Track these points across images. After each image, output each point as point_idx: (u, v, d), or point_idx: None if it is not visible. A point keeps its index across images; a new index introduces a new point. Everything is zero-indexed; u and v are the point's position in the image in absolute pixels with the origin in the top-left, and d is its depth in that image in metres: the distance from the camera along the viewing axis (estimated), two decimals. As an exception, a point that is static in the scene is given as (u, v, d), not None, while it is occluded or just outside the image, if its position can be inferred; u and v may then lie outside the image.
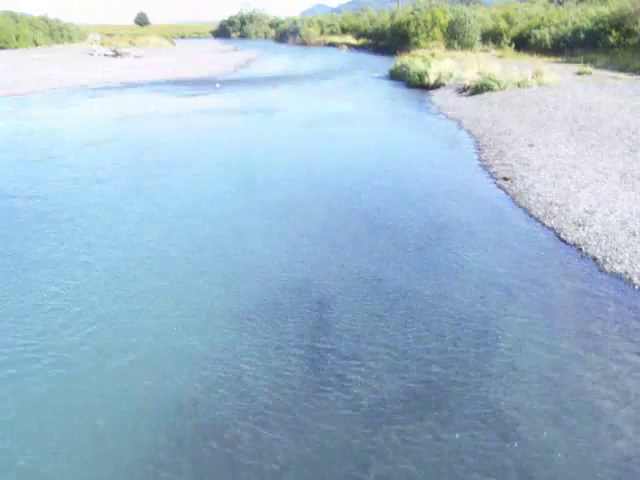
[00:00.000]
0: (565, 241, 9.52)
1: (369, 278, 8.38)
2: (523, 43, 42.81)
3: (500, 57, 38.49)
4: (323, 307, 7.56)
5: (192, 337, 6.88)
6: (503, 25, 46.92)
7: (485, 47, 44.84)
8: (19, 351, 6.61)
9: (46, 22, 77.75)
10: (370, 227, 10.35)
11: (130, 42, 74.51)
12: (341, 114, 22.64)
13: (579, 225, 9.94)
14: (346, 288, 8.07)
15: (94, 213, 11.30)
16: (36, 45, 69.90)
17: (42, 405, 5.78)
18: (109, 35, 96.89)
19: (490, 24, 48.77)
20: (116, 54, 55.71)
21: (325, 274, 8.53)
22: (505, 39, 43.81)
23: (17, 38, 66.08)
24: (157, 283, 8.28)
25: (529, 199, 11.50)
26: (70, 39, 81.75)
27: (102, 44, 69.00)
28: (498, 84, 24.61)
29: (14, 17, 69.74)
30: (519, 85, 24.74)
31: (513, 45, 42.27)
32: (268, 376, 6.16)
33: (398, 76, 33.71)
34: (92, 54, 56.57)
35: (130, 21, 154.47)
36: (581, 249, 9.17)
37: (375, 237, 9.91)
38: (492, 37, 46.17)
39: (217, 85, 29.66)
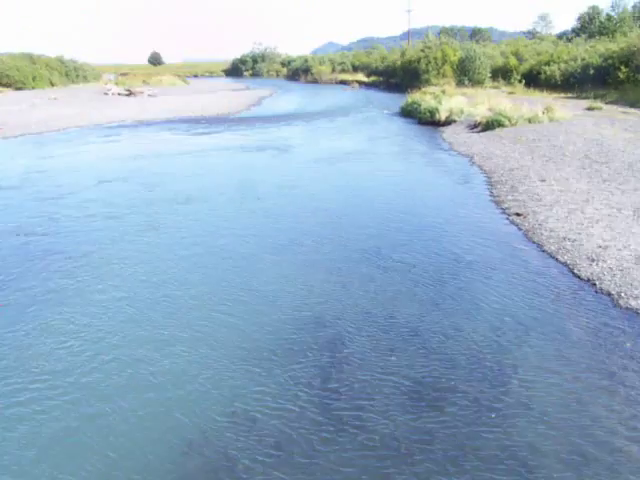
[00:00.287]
0: (579, 276, 9.48)
1: (382, 315, 8.36)
2: (533, 79, 43.18)
3: (510, 93, 38.79)
4: (337, 344, 7.54)
5: (205, 376, 6.86)
6: (513, 62, 47.38)
7: (495, 83, 45.25)
8: (35, 388, 6.63)
9: (62, 63, 79.02)
10: (383, 263, 10.35)
11: (144, 81, 75.59)
12: (354, 151, 22.79)
13: (593, 260, 9.90)
14: (360, 325, 8.05)
15: (108, 249, 11.38)
16: (52, 85, 70.98)
17: (56, 443, 5.77)
18: (123, 74, 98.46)
19: (500, 61, 49.29)
20: (130, 93, 56.48)
21: (338, 311, 8.51)
22: (515, 75, 44.23)
23: (34, 79, 67.20)
24: (171, 320, 8.28)
25: (542, 234, 11.49)
26: (85, 79, 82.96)
27: (116, 83, 70.02)
28: (509, 120, 24.77)
29: (31, 59, 71.05)
30: (530, 121, 24.89)
31: (523, 81, 42.63)
32: (280, 414, 6.12)
33: (409, 113, 33.97)
34: (107, 93, 57.37)
35: (144, 60, 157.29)
36: (595, 284, 9.12)
37: (388, 273, 9.90)
38: (502, 73, 46.61)
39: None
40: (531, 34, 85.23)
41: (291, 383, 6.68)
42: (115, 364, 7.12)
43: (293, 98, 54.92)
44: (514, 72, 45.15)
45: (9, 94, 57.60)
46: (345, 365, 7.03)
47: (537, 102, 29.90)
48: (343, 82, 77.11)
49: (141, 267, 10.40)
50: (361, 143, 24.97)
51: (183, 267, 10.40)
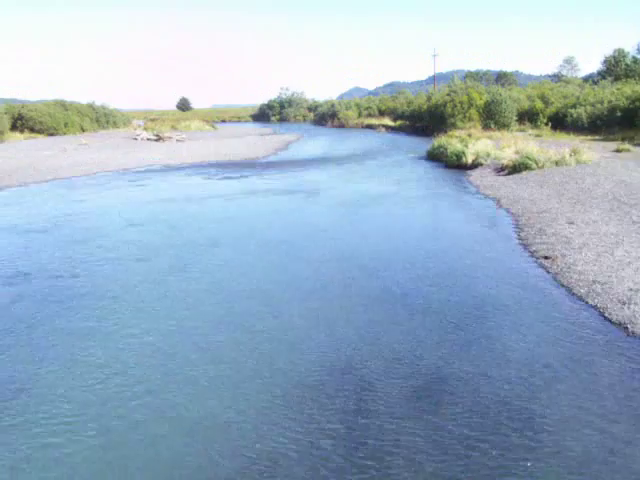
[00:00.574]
0: (610, 320, 9.35)
1: (408, 358, 8.30)
2: (559, 122, 43.22)
3: (537, 136, 38.86)
4: (363, 389, 7.48)
5: (231, 415, 6.86)
6: (539, 105, 47.52)
7: (522, 127, 45.34)
8: (64, 421, 6.69)
9: (93, 109, 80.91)
10: (410, 307, 10.31)
11: (172, 126, 77.03)
12: (381, 194, 22.89)
13: (624, 303, 9.77)
14: (386, 370, 8.00)
15: (137, 290, 11.56)
16: (83, 131, 72.59)
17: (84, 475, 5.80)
18: (152, 120, 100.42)
19: (526, 104, 49.45)
20: (159, 138, 57.47)
21: (365, 355, 8.47)
22: (541, 118, 44.31)
23: (66, 125, 68.86)
24: (197, 359, 8.32)
25: (571, 277, 11.38)
26: (115, 124, 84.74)
27: (145, 129, 71.36)
28: (536, 163, 24.75)
29: (64, 105, 72.94)
30: (557, 163, 24.85)
31: (549, 124, 42.66)
32: (304, 459, 6.08)
33: (436, 156, 34.11)
34: (136, 138, 58.45)
35: (173, 106, 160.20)
36: (627, 328, 8.98)
37: (414, 317, 9.85)
38: (528, 117, 46.74)
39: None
40: (557, 77, 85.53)
41: (315, 426, 6.64)
42: (141, 397, 7.18)
43: (320, 142, 55.48)
44: (540, 115, 45.26)
45: (42, 140, 58.99)
46: (370, 412, 6.97)
47: (564, 145, 29.87)
48: (369, 126, 77.76)
49: (166, 309, 10.53)
50: (388, 186, 25.07)
51: (208, 310, 10.49)
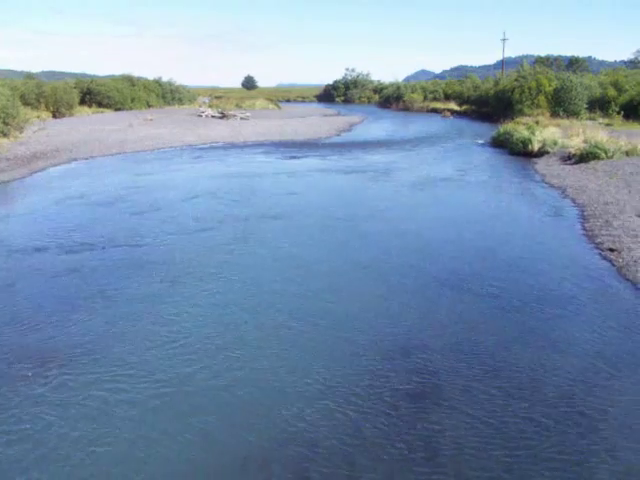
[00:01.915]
0: (675, 317, 9.08)
1: (467, 346, 8.27)
2: (633, 111, 41.75)
3: (607, 125, 37.68)
4: (420, 375, 7.50)
5: (283, 399, 6.98)
6: (611, 92, 45.96)
7: (592, 115, 44.01)
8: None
9: (159, 85, 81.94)
10: (469, 293, 10.23)
11: (237, 105, 77.32)
12: (444, 179, 22.68)
13: (691, 301, 9.47)
14: (444, 356, 8.00)
15: (200, 259, 12.12)
16: (149, 106, 73.73)
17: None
18: (217, 97, 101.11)
19: (598, 91, 47.88)
20: (223, 116, 57.85)
21: (422, 339, 8.48)
22: (613, 107, 42.87)
23: (132, 100, 70.09)
24: (254, 335, 8.48)
25: (637, 271, 11.08)
26: (180, 101, 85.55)
27: (210, 106, 71.91)
28: (605, 152, 24.05)
29: (131, 81, 74.18)
30: (628, 154, 24.11)
31: (622, 113, 41.31)
32: (363, 448, 6.14)
33: (501, 143, 33.48)
34: (200, 115, 59.01)
35: (238, 84, 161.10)
36: (693, 326, 8.71)
37: (474, 304, 9.78)
38: (599, 105, 45.26)
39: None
40: (632, 64, 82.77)
41: (372, 413, 6.72)
42: (201, 372, 7.41)
43: (384, 125, 55.11)
44: (612, 103, 43.79)
45: (108, 114, 60.29)
46: (426, 400, 6.98)
47: (636, 135, 28.95)
48: (434, 110, 76.65)
49: (226, 277, 10.92)
50: (451, 172, 24.79)
51: (267, 278, 10.85)
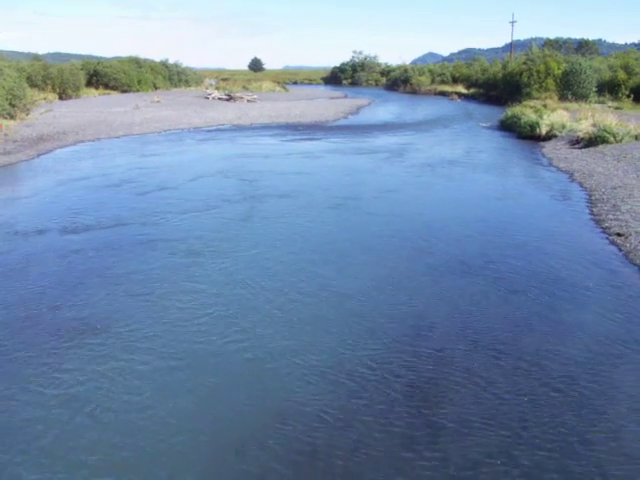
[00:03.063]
0: (682, 302, 9.04)
1: (475, 331, 8.25)
2: (643, 95, 41.38)
3: (617, 109, 37.36)
4: (427, 359, 7.50)
5: (294, 385, 6.99)
6: (621, 75, 45.49)
7: (601, 98, 43.62)
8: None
9: (166, 67, 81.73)
10: (476, 277, 10.21)
11: (244, 87, 77.09)
12: (450, 162, 22.57)
13: (698, 286, 9.42)
14: (451, 340, 7.99)
15: (204, 236, 12.55)
16: (156, 88, 73.57)
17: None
18: (224, 80, 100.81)
19: (607, 75, 47.41)
20: (230, 98, 57.68)
21: (428, 323, 8.47)
22: (623, 90, 42.48)
23: (139, 82, 69.95)
24: (265, 318, 8.50)
25: (644, 256, 11.02)
26: (187, 83, 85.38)
27: (217, 88, 71.77)
28: (614, 136, 23.89)
29: (138, 62, 74.00)
30: (637, 138, 23.95)
31: (632, 96, 40.94)
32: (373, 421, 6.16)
33: (508, 126, 33.29)
34: (207, 97, 58.90)
35: (244, 66, 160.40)
36: (700, 312, 8.68)
37: (480, 287, 9.76)
38: (609, 88, 44.81)
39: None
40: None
41: (384, 397, 6.72)
42: (210, 356, 7.45)
43: (391, 108, 54.84)
44: (622, 86, 43.37)
45: (115, 96, 60.22)
46: (435, 386, 6.99)
47: (645, 119, 28.74)
48: (442, 93, 76.16)
49: (232, 254, 11.16)
50: (458, 155, 24.69)
51: (274, 256, 11.10)
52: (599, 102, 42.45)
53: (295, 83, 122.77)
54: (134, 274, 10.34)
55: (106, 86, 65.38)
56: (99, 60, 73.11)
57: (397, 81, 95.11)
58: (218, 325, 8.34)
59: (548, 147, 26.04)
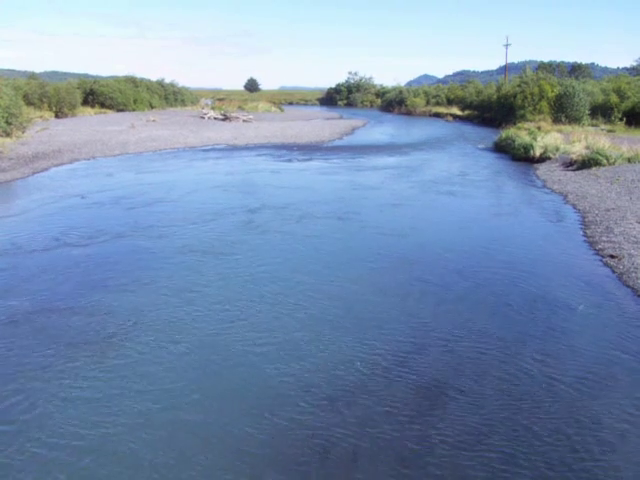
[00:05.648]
0: (676, 324, 9.08)
1: (470, 353, 8.25)
2: (635, 118, 41.76)
3: (610, 132, 37.67)
4: (417, 386, 7.51)
5: (295, 395, 6.98)
6: (614, 99, 45.92)
7: (594, 121, 43.98)
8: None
9: (162, 86, 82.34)
10: (470, 299, 10.23)
11: (239, 107, 77.43)
12: (445, 184, 22.63)
13: (691, 308, 9.46)
14: (441, 363, 7.99)
15: (203, 247, 13.08)
16: (152, 108, 73.91)
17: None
18: (220, 100, 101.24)
19: (600, 98, 47.85)
20: (226, 118, 57.91)
21: (418, 347, 8.48)
22: (616, 113, 42.85)
23: (135, 101, 70.33)
24: (272, 326, 8.51)
25: (638, 278, 11.07)
26: (183, 102, 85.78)
27: (213, 108, 72.01)
28: (607, 159, 24.06)
29: (134, 82, 74.50)
30: (630, 160, 24.12)
31: (624, 120, 41.29)
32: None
33: (503, 148, 33.50)
34: (203, 117, 59.07)
35: (240, 86, 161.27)
36: (693, 334, 8.71)
37: (471, 310, 9.77)
38: (602, 111, 45.21)
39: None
40: (635, 70, 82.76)
41: (385, 408, 6.70)
42: (206, 368, 7.43)
43: (386, 129, 55.09)
44: (615, 110, 43.76)
45: (111, 115, 60.42)
46: (434, 391, 7.00)
47: (639, 141, 28.95)
48: (437, 115, 76.66)
49: (232, 263, 11.32)
50: (453, 176, 24.79)
51: (275, 266, 10.89)
52: (592, 125, 42.79)
53: (291, 103, 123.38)
54: (136, 283, 10.66)
55: (102, 105, 65.70)
56: (95, 79, 73.54)
57: (392, 102, 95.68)
58: (221, 333, 8.39)
59: (542, 169, 26.19)
